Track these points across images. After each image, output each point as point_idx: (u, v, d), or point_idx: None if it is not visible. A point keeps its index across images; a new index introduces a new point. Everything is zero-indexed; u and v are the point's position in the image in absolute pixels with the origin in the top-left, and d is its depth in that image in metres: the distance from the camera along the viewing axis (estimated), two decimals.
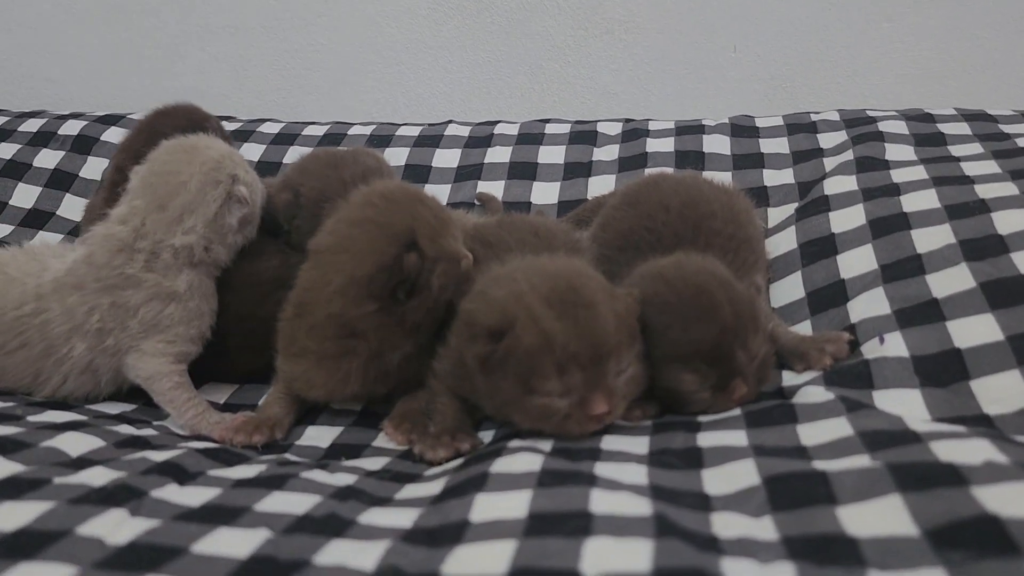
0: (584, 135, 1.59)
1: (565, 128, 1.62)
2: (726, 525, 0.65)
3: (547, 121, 1.66)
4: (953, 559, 0.55)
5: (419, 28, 2.03)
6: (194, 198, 1.06)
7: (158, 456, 0.84)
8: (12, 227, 1.54)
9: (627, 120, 1.64)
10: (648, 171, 1.45)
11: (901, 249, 1.10)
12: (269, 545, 0.62)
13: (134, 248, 1.04)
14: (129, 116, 1.75)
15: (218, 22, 2.10)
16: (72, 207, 1.58)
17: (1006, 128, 1.39)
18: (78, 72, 2.18)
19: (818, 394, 0.90)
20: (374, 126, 1.71)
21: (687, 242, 1.08)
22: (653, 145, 1.51)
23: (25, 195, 1.60)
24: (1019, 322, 0.92)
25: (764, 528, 0.64)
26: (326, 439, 1.03)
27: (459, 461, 0.89)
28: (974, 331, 0.93)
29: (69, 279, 1.04)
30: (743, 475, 0.74)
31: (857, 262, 1.12)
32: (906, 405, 0.87)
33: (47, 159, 1.65)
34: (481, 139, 1.61)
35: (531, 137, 1.60)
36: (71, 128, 1.70)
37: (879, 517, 0.62)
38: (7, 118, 1.76)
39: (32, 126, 1.72)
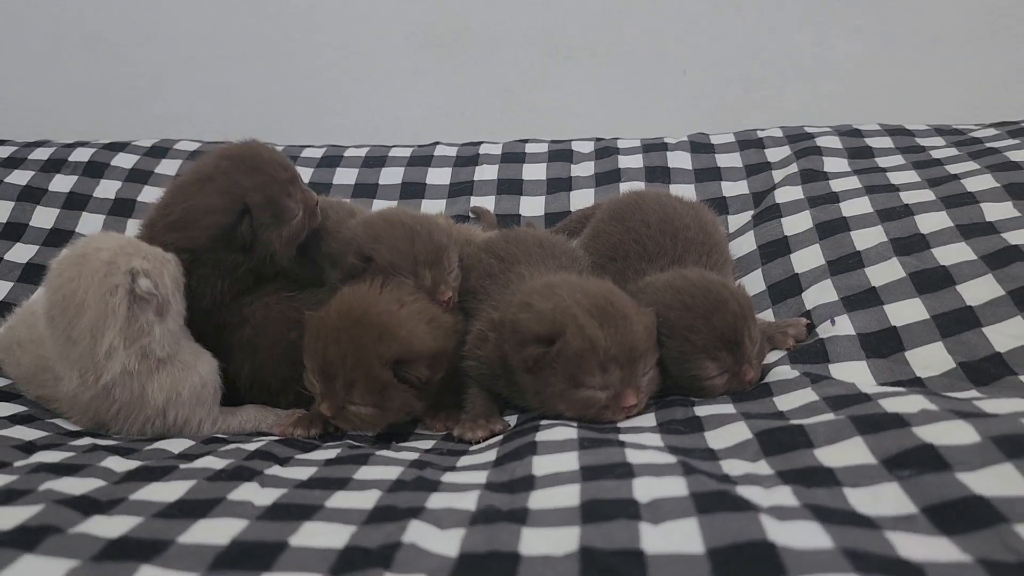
0: (561, 153, 1.78)
1: (543, 147, 1.81)
2: (732, 467, 0.84)
3: (526, 141, 1.85)
4: (902, 475, 0.75)
5: (397, 55, 2.18)
6: (96, 315, 0.98)
7: (250, 446, 1.00)
8: (37, 247, 1.66)
9: (597, 139, 1.83)
10: (623, 186, 1.65)
11: (843, 247, 1.32)
12: (386, 498, 0.79)
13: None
14: (134, 143, 1.87)
15: (203, 52, 2.21)
16: (88, 224, 1.70)
17: (921, 141, 1.64)
18: (60, 101, 2.26)
19: (785, 372, 1.10)
20: (368, 148, 1.86)
21: (667, 251, 1.28)
22: (624, 162, 1.71)
23: (45, 216, 1.71)
24: (941, 303, 1.14)
25: (761, 468, 0.83)
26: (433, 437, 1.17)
27: (498, 438, 1.07)
28: (906, 312, 1.16)
29: None
30: (738, 433, 0.93)
31: (807, 259, 1.34)
32: (857, 374, 1.09)
33: (61, 184, 1.76)
34: (468, 158, 1.79)
35: (514, 156, 1.78)
36: (81, 155, 1.81)
37: (846, 453, 0.81)
38: (15, 147, 1.86)
39: (42, 154, 1.82)
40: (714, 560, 0.62)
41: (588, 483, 0.79)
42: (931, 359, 1.08)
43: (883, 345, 1.13)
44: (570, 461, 0.86)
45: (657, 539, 0.66)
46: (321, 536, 0.71)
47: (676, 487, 0.76)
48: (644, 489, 0.76)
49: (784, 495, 0.74)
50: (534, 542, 0.68)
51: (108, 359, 1.00)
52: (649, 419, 1.05)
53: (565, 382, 1.03)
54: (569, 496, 0.77)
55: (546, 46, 2.17)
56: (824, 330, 1.19)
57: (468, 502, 0.78)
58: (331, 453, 1.00)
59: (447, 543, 0.69)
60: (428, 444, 1.10)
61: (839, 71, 2.11)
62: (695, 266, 1.24)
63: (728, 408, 1.03)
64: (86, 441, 1.04)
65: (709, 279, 1.13)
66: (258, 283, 1.24)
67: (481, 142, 1.85)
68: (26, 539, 0.69)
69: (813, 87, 2.11)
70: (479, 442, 1.08)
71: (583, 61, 2.16)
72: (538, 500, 0.77)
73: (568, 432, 0.96)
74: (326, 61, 2.21)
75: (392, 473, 0.89)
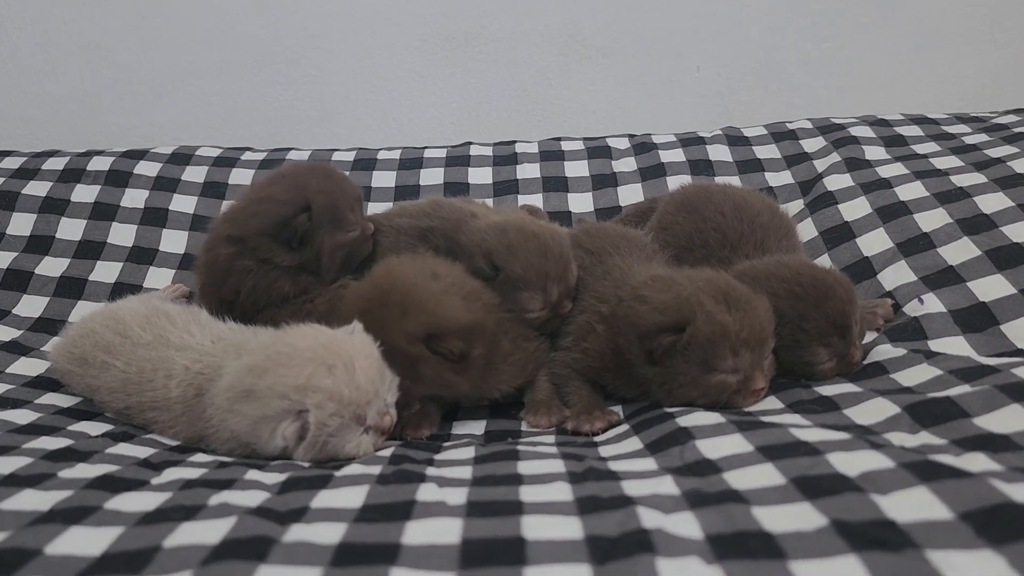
0: (599, 150, 1.79)
1: (579, 144, 1.81)
2: (903, 440, 0.86)
3: (560, 139, 1.85)
4: None
5: (410, 58, 2.15)
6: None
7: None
8: (68, 259, 1.58)
9: (631, 135, 1.85)
10: (670, 180, 1.66)
11: (909, 230, 1.36)
12: (588, 474, 0.79)
13: None
14: (153, 150, 1.79)
15: (205, 59, 2.13)
16: (119, 235, 1.63)
17: (948, 129, 1.71)
18: (56, 111, 2.16)
19: (890, 350, 1.13)
20: (400, 150, 1.83)
21: (748, 237, 1.30)
22: (665, 156, 1.73)
23: (72, 228, 1.63)
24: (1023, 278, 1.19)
25: (930, 439, 0.85)
26: (477, 428, 1.16)
27: (624, 427, 1.07)
28: (991, 288, 1.20)
29: None
30: (882, 409, 0.94)
31: (875, 242, 1.39)
32: (959, 348, 1.13)
33: (84, 194, 1.68)
34: (506, 157, 1.78)
35: (552, 154, 1.78)
36: (99, 164, 1.74)
37: (1008, 418, 0.85)
38: (23, 158, 1.77)
39: (57, 164, 1.74)
40: (973, 523, 0.63)
41: (784, 461, 0.79)
42: None
43: (976, 320, 1.17)
44: (738, 442, 0.86)
45: (902, 509, 0.67)
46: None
47: (878, 460, 0.76)
48: (848, 464, 0.76)
49: (983, 461, 0.76)
50: (770, 519, 0.68)
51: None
52: (774, 402, 1.06)
53: (697, 369, 1.04)
54: (769, 475, 0.77)
55: (561, 45, 2.16)
56: (912, 309, 1.23)
57: (668, 487, 0.77)
58: (468, 452, 0.98)
59: (683, 525, 0.69)
60: (551, 439, 1.08)
61: (851, 66, 2.17)
62: (777, 251, 1.27)
63: (851, 387, 1.05)
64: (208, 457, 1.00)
65: (813, 266, 1.16)
66: (291, 296, 1.25)
67: (515, 141, 1.84)
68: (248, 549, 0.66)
69: (825, 81, 2.17)
70: (598, 433, 1.08)
71: (598, 60, 2.17)
72: (740, 480, 0.77)
73: (713, 417, 0.97)
74: (336, 65, 2.16)
75: (554, 466, 0.88)
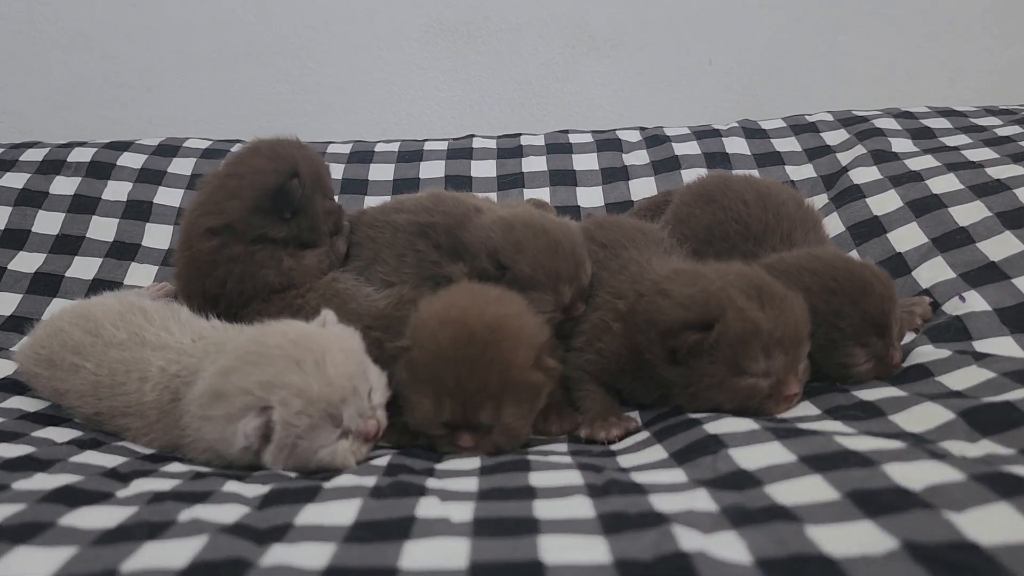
0: (608, 143, 1.70)
1: (588, 137, 1.73)
2: (963, 449, 0.76)
3: (567, 132, 1.76)
4: None
5: (411, 50, 2.07)
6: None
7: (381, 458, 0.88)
8: (44, 254, 1.49)
9: (642, 128, 1.76)
10: (685, 173, 1.58)
11: (944, 224, 1.28)
12: (610, 486, 0.69)
13: None
14: (138, 142, 1.71)
15: (199, 49, 2.05)
16: (99, 229, 1.54)
17: (977, 121, 1.62)
18: (40, 104, 2.06)
19: (933, 352, 1.04)
20: (399, 143, 1.75)
21: (773, 229, 1.21)
22: (680, 149, 1.64)
23: (49, 222, 1.54)
24: None
25: (990, 448, 0.75)
26: None
27: (643, 435, 0.97)
28: None
29: None
30: (933, 415, 0.85)
31: (908, 237, 1.30)
32: (1007, 349, 1.03)
33: (64, 186, 1.60)
34: (511, 150, 1.69)
35: (559, 147, 1.69)
36: (81, 155, 1.65)
37: None
38: (2, 148, 1.67)
39: (35, 155, 1.65)
40: None
41: (833, 473, 0.70)
42: None
43: None
44: (777, 451, 0.77)
45: (984, 530, 0.57)
46: None
47: (943, 472, 0.67)
48: (909, 476, 0.67)
49: None
50: (829, 541, 0.59)
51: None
52: (809, 408, 0.97)
53: (725, 370, 0.94)
54: (819, 488, 0.68)
55: (568, 37, 2.08)
56: (954, 307, 1.13)
57: (703, 500, 0.68)
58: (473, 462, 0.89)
59: (728, 548, 0.59)
60: (563, 447, 0.98)
61: (869, 59, 2.09)
62: (804, 244, 1.18)
63: (893, 391, 0.96)
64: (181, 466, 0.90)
65: (848, 259, 1.06)
66: (277, 288, 1.15)
67: (520, 134, 1.76)
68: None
69: (843, 75, 2.09)
70: (614, 441, 0.99)
71: (606, 52, 2.09)
72: (786, 494, 0.68)
73: (745, 423, 0.87)
74: (333, 57, 2.08)
75: (576, 479, 0.78)
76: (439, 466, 0.89)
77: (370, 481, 0.80)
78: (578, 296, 1.10)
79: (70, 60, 2.05)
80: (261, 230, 1.14)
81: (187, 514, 0.70)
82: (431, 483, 0.80)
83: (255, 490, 0.80)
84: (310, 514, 0.70)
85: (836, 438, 0.78)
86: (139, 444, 0.99)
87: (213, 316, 1.08)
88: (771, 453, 0.77)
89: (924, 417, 0.86)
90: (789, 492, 0.68)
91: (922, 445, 0.76)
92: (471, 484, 0.80)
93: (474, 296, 0.98)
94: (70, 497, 0.75)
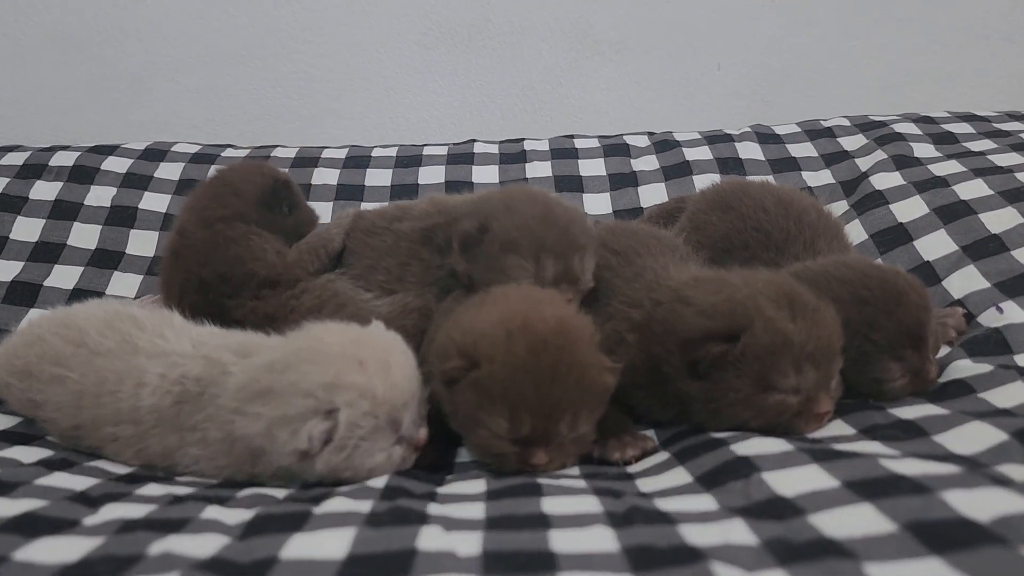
0: (616, 148, 1.64)
1: (594, 143, 1.67)
2: (1022, 473, 0.69)
3: (573, 136, 1.70)
4: None
5: (409, 53, 2.00)
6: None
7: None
8: (22, 262, 1.42)
9: (650, 133, 1.70)
10: (697, 179, 1.52)
11: (975, 231, 1.21)
12: (633, 514, 0.61)
13: None
14: (124, 146, 1.63)
15: (190, 51, 1.98)
16: (81, 236, 1.48)
17: (1002, 126, 1.56)
18: (23, 108, 1.99)
19: (972, 366, 0.97)
20: (396, 147, 1.68)
21: (795, 237, 1.14)
22: (691, 154, 1.58)
23: (28, 228, 1.48)
24: None
25: None
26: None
27: (662, 455, 0.89)
28: None
29: None
30: (984, 436, 0.77)
31: (936, 245, 1.24)
32: None
33: (44, 191, 1.53)
34: (514, 155, 1.63)
35: (564, 152, 1.63)
36: (63, 159, 1.59)
37: None
38: None
39: (16, 159, 1.58)
40: None
41: (885, 501, 0.62)
42: None
43: None
44: (817, 475, 0.70)
45: None
46: None
47: (1012, 501, 0.60)
48: (973, 505, 0.59)
49: None
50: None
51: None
52: (842, 426, 0.89)
53: (751, 385, 0.87)
54: (871, 519, 0.60)
55: (572, 41, 2.01)
56: (990, 319, 1.07)
57: (721, 534, 0.61)
58: (479, 486, 0.81)
59: None
60: (576, 471, 0.90)
61: (884, 64, 2.03)
62: (828, 252, 1.11)
63: (934, 408, 0.88)
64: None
65: (879, 267, 1.00)
66: (266, 281, 1.15)
67: (523, 139, 1.69)
68: None
69: (857, 81, 2.03)
70: (630, 462, 0.91)
71: (611, 57, 2.02)
72: (835, 525, 0.60)
73: (776, 444, 0.80)
74: (329, 61, 2.01)
75: (588, 505, 0.71)
76: (441, 490, 0.81)
77: (365, 506, 0.73)
78: (563, 278, 1.02)
79: (55, 62, 1.98)
80: (267, 221, 1.19)
81: (159, 546, 0.62)
82: (433, 509, 0.72)
83: (238, 516, 0.72)
84: (298, 546, 0.63)
85: (881, 461, 0.71)
86: (123, 458, 0.93)
87: (198, 316, 1.05)
88: (810, 478, 0.70)
89: (973, 437, 0.78)
90: (838, 523, 0.61)
91: (979, 470, 0.68)
92: (477, 511, 0.72)
93: (521, 300, 0.91)
94: (30, 526, 0.68)
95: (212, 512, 0.73)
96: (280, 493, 0.82)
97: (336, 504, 0.74)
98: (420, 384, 0.89)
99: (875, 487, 0.65)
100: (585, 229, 1.06)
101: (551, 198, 1.06)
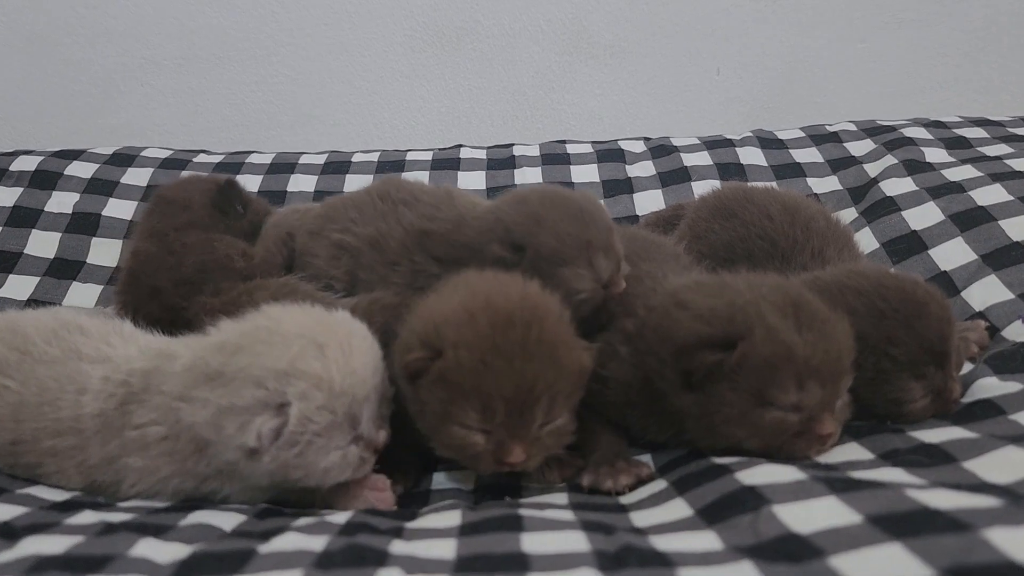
0: (610, 153, 1.58)
1: (587, 148, 1.62)
2: None
3: (565, 142, 1.64)
4: None
5: (395, 56, 1.95)
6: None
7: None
8: None
9: (646, 138, 1.64)
10: (696, 186, 1.46)
11: (994, 239, 1.14)
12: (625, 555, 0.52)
13: None
14: (91, 150, 1.56)
15: (163, 54, 1.93)
16: (38, 244, 1.41)
17: (1017, 131, 1.49)
18: None
19: (999, 385, 0.88)
20: (379, 152, 1.62)
21: (802, 245, 1.06)
22: (689, 160, 1.52)
23: None
24: None
25: None
26: (465, 481, 0.92)
27: (659, 484, 0.81)
28: None
29: None
30: (1020, 462, 0.69)
31: (953, 254, 1.16)
32: None
33: (3, 197, 1.47)
34: (503, 161, 1.57)
35: (556, 157, 1.57)
36: (25, 164, 1.51)
37: None
38: None
39: None
40: None
41: (917, 540, 0.54)
42: None
43: None
44: (835, 509, 0.61)
45: None
46: None
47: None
48: (1020, 545, 0.51)
49: None
50: None
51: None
52: (859, 451, 0.80)
53: (747, 400, 0.78)
54: (904, 563, 0.52)
55: (565, 44, 1.96)
56: (1016, 332, 0.99)
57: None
58: (476, 515, 0.72)
59: None
60: (562, 498, 0.82)
61: (890, 68, 1.98)
62: (838, 262, 1.03)
63: (959, 431, 0.80)
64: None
65: (897, 277, 0.91)
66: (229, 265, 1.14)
67: (512, 144, 1.63)
68: None
69: (861, 86, 1.98)
70: (623, 492, 0.82)
71: (605, 60, 1.97)
72: (861, 570, 0.52)
73: (787, 472, 0.71)
74: (310, 64, 1.96)
75: (570, 542, 0.61)
76: (411, 524, 0.72)
77: (319, 543, 0.64)
78: (617, 270, 0.93)
79: (24, 64, 1.93)
80: (225, 226, 1.19)
81: None
82: (396, 547, 0.63)
83: (172, 553, 0.64)
84: None
85: (908, 492, 0.62)
86: (65, 474, 0.87)
87: (153, 326, 0.99)
88: (828, 511, 0.61)
89: (1007, 465, 0.70)
90: (864, 567, 0.53)
91: (1021, 503, 0.59)
92: (447, 549, 0.64)
93: (481, 282, 0.84)
94: None
95: (144, 548, 0.65)
96: (228, 523, 0.73)
97: (286, 541, 0.65)
98: (384, 380, 0.83)
99: (905, 523, 0.57)
100: (607, 212, 0.99)
101: (569, 192, 0.98)
